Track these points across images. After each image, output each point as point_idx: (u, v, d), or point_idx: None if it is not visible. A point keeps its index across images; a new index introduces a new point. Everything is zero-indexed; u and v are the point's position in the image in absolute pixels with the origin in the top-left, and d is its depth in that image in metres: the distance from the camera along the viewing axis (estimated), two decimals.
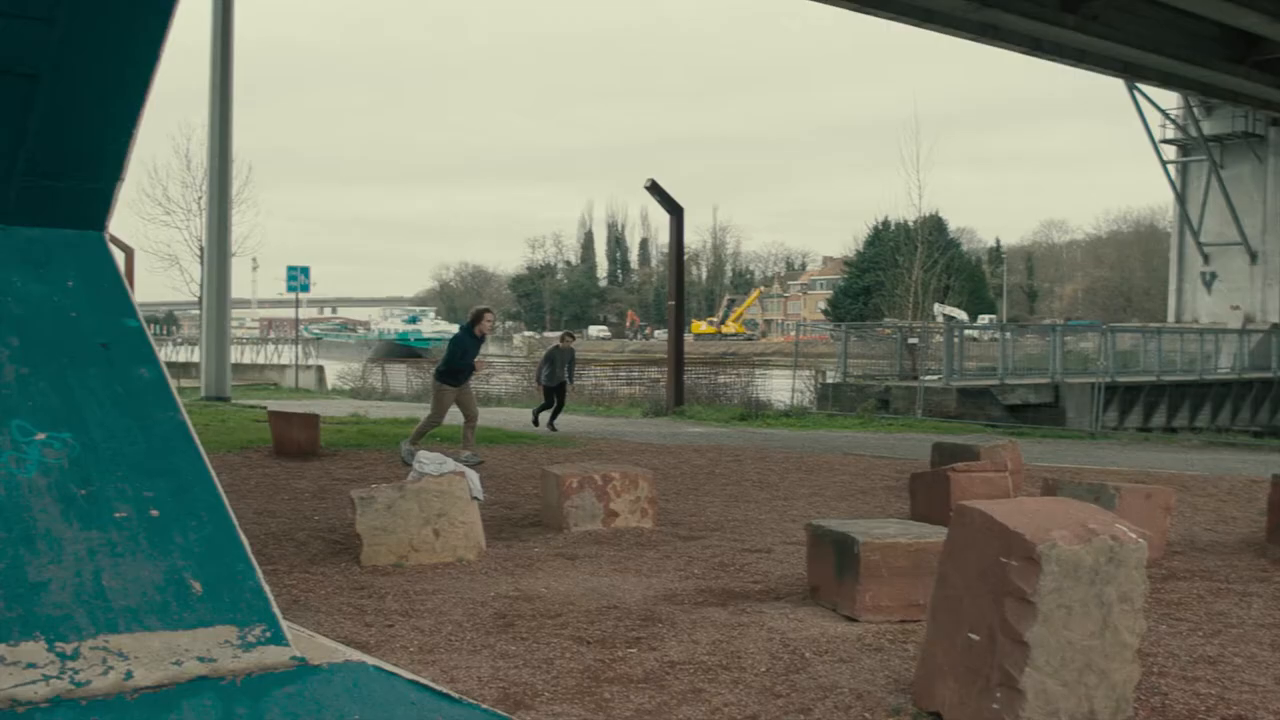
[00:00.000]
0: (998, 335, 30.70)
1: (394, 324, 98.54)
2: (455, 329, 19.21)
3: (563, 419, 19.42)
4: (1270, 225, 42.34)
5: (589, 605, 6.36)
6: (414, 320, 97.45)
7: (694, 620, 6.03)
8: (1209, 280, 44.02)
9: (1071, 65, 33.82)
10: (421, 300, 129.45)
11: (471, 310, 14.31)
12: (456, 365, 13.62)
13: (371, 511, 7.50)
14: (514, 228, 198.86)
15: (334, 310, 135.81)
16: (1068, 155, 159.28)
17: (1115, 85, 40.10)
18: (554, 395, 19.58)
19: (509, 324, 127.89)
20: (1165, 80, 36.60)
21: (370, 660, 2.87)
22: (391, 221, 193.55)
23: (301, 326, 47.97)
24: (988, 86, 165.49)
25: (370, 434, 16.35)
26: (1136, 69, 35.00)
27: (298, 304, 34.30)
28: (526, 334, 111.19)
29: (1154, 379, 30.63)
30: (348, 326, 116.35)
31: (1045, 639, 4.16)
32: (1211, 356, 34.65)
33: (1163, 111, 44.23)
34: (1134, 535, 4.34)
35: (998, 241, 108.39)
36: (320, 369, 36.91)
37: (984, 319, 70.83)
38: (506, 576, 7.19)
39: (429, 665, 5.16)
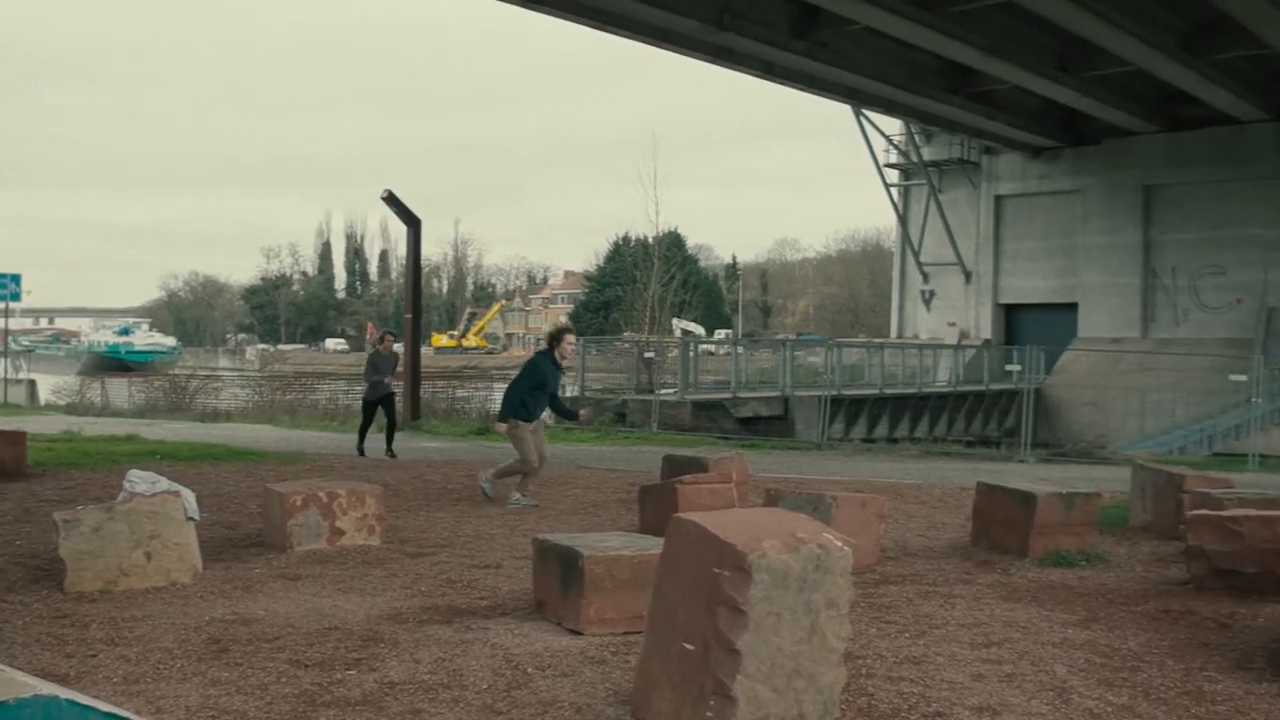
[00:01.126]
0: (732, 350, 31.56)
1: (105, 336, 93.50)
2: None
3: (289, 436, 18.61)
4: (982, 247, 45.01)
5: (309, 627, 6.17)
6: (126, 332, 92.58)
7: (417, 639, 5.92)
8: (928, 298, 46.46)
9: (802, 90, 35.11)
10: (149, 311, 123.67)
11: (549, 329, 11.72)
12: (528, 398, 11.34)
13: (76, 535, 7.07)
14: (251, 237, 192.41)
15: (51, 320, 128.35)
16: (802, 176, 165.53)
17: (846, 110, 41.89)
18: (381, 409, 16.69)
19: (241, 336, 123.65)
20: (889, 107, 38.44)
21: (65, 693, 2.67)
22: (121, 229, 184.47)
23: (12, 338, 45.08)
24: (729, 106, 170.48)
25: (83, 452, 15.47)
26: (862, 95, 36.62)
27: (6, 313, 32.23)
28: (260, 347, 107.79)
29: (877, 392, 32.08)
30: (60, 338, 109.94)
31: (756, 647, 4.26)
32: (930, 370, 36.59)
33: (886, 137, 46.46)
34: (840, 543, 4.50)
35: (734, 258, 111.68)
36: (32, 383, 34.76)
37: (720, 334, 72.73)
38: (223, 600, 6.90)
39: (134, 696, 4.89)
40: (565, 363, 11.33)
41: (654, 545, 6.39)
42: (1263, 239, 38.13)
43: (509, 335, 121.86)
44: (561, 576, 6.28)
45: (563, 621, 6.21)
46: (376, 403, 16.81)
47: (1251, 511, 7.66)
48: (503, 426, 11.57)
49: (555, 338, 11.54)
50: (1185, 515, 8.12)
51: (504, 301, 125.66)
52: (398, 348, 19.04)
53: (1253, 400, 26.06)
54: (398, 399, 18.84)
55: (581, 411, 13.54)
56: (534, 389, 11.36)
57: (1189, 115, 37.85)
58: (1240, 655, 5.88)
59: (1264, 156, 37.85)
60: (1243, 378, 25.59)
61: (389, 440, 16.71)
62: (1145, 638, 6.24)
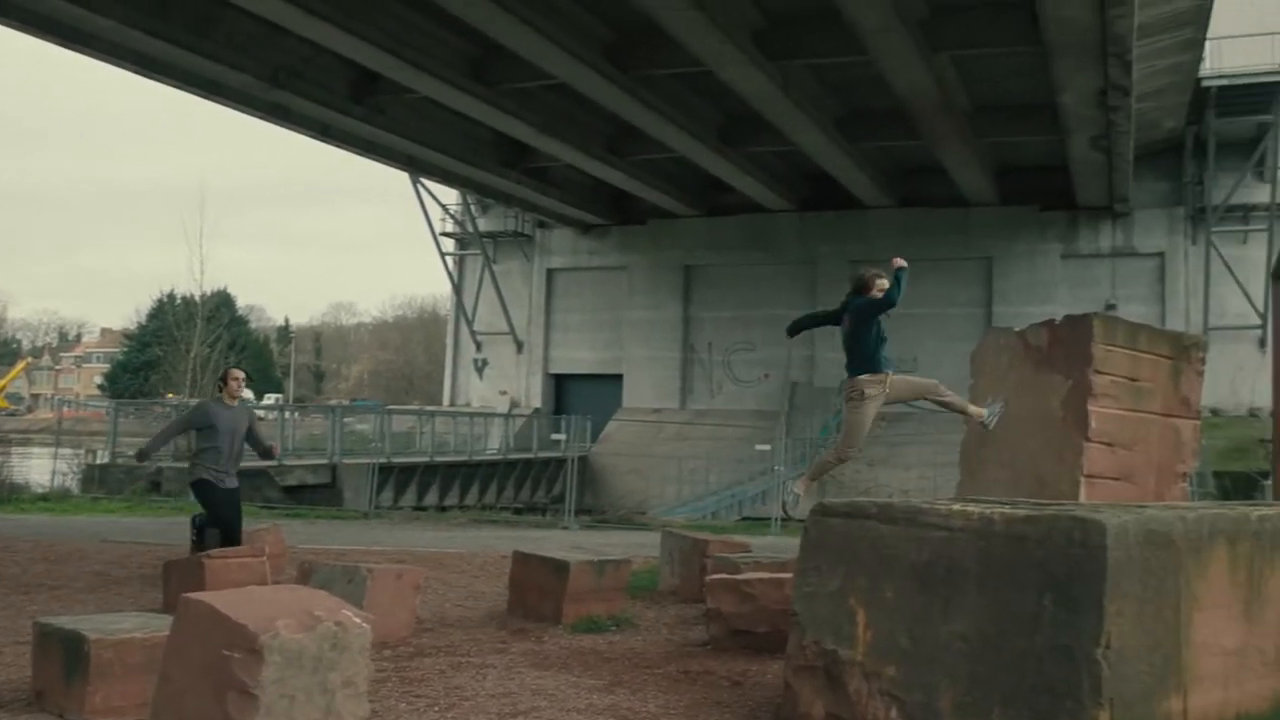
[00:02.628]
0: (279, 415, 30.60)
1: None
2: None
3: None
4: (534, 318, 46.24)
5: None
6: None
7: None
8: (481, 366, 47.10)
9: (361, 154, 34.90)
10: None
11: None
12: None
13: None
14: None
15: None
16: (361, 239, 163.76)
17: (405, 175, 41.97)
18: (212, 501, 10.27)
19: None
20: (446, 177, 38.88)
21: None
22: None
23: None
24: (288, 164, 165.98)
25: None
26: (420, 164, 36.86)
27: None
28: None
29: (428, 459, 32.04)
30: None
31: None
32: (481, 438, 37.00)
33: (443, 206, 46.93)
34: (359, 620, 4.36)
35: (287, 320, 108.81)
36: None
37: (270, 398, 70.43)
38: None
39: None
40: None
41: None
42: (787, 319, 41.36)
43: (35, 396, 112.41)
44: (65, 662, 5.74)
45: (64, 713, 5.67)
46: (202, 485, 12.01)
47: (764, 574, 8.17)
48: None
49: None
50: (706, 579, 8.54)
51: (30, 359, 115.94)
52: None
53: (775, 469, 28.09)
54: None
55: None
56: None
57: (726, 202, 40.69)
58: (749, 711, 6.20)
59: (790, 243, 41.29)
60: (767, 447, 27.59)
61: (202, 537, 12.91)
62: (665, 699, 6.46)
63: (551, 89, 29.78)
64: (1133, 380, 8.61)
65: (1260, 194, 37.54)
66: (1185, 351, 9.05)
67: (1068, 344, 8.51)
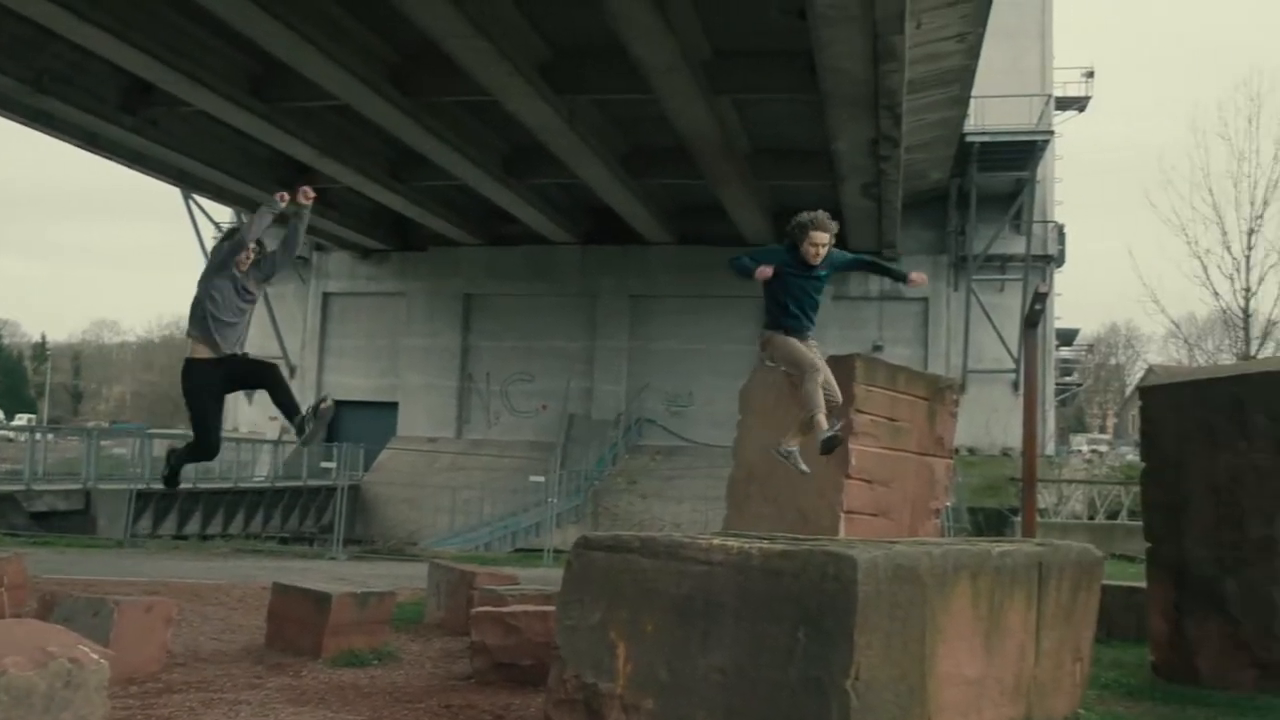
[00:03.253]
0: (30, 437, 29.00)
1: None
2: None
3: None
4: (309, 343, 45.14)
5: None
6: None
7: None
8: (250, 391, 45.64)
9: (129, 166, 33.50)
10: None
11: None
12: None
13: None
14: None
15: None
16: (128, 254, 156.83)
17: (177, 190, 40.43)
18: None
19: None
20: (219, 194, 37.63)
21: None
22: None
23: None
24: (52, 172, 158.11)
25: None
26: (192, 179, 35.61)
27: None
28: None
29: (191, 486, 30.80)
30: None
31: None
32: (249, 464, 35.82)
33: (216, 224, 45.33)
34: (96, 656, 4.14)
35: (44, 337, 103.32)
36: None
37: (22, 419, 66.76)
38: None
39: None
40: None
41: None
42: (567, 350, 41.67)
43: None
44: None
45: None
46: None
47: (530, 607, 8.13)
48: None
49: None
50: (472, 611, 8.45)
51: None
52: None
53: (549, 500, 28.12)
54: None
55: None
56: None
57: (509, 232, 40.65)
58: None
59: (570, 276, 41.53)
60: (541, 479, 27.58)
61: None
62: None
63: (334, 110, 29.26)
64: (891, 420, 8.94)
65: (1016, 245, 39.69)
66: (940, 393, 9.46)
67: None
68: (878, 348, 37.66)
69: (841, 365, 8.82)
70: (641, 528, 29.06)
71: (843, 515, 8.55)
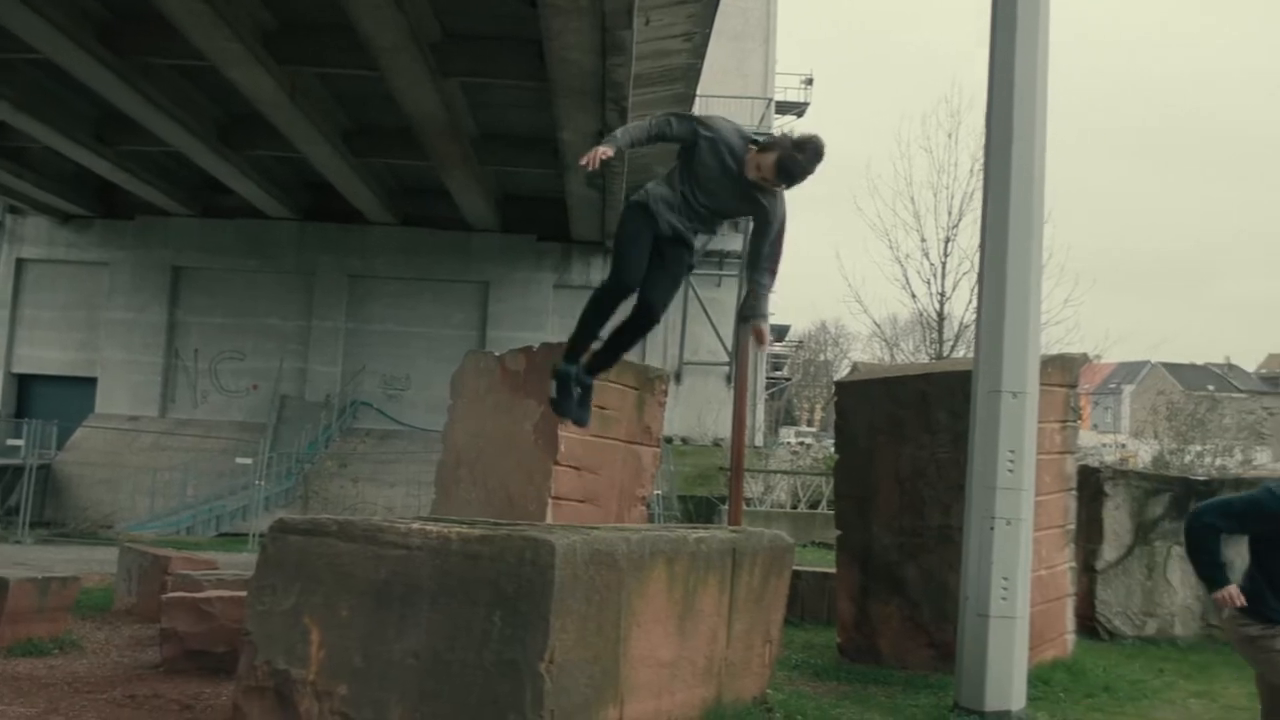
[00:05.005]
0: None
1: None
2: None
3: None
4: None
5: None
6: None
7: None
8: None
9: None
10: None
11: None
12: None
13: None
14: None
15: None
16: None
17: None
18: None
19: None
20: None
21: None
22: None
23: None
24: None
25: None
26: None
27: None
28: None
29: None
30: None
31: None
32: None
33: None
34: None
35: None
36: None
37: None
38: None
39: None
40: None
41: None
42: (281, 329, 40.39)
43: None
44: None
45: None
46: None
47: (225, 592, 7.88)
48: None
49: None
50: (163, 597, 8.13)
51: None
52: None
53: (256, 483, 27.25)
54: None
55: None
56: None
57: (224, 204, 39.02)
58: None
59: (287, 252, 40.26)
60: (249, 461, 26.69)
61: None
62: None
63: (35, 64, 27.38)
64: (601, 408, 9.07)
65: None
66: (649, 383, 9.67)
67: (543, 370, 8.85)
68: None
69: (553, 354, 8.91)
70: (354, 512, 28.52)
71: (550, 501, 8.62)
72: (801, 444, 41.63)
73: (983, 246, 8.04)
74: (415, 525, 5.41)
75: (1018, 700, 7.83)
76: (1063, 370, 9.83)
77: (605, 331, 6.89)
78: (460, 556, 5.16)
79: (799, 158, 6.07)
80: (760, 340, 6.89)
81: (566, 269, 41.01)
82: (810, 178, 6.24)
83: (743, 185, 6.27)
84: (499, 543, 5.12)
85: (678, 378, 39.23)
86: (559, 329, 36.44)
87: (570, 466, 8.77)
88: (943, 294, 27.74)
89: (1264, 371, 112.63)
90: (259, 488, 27.20)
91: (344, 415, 39.34)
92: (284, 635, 5.45)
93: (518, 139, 32.31)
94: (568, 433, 8.65)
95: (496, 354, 9.46)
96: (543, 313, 39.87)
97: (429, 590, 5.17)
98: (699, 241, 6.74)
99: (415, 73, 25.00)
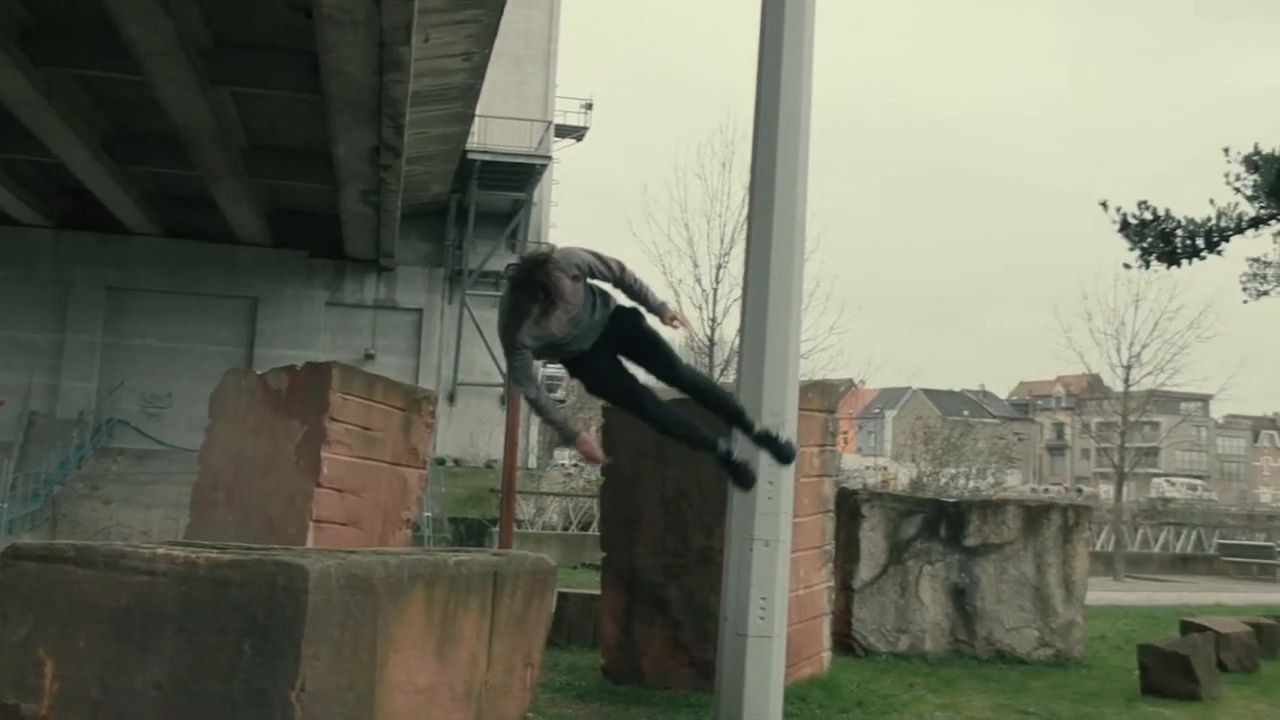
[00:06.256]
0: None
1: None
2: None
3: None
4: None
5: None
6: None
7: None
8: None
9: None
10: None
11: None
12: None
13: None
14: None
15: None
16: None
17: None
18: None
19: None
20: None
21: None
22: None
23: None
24: None
25: None
26: None
27: None
28: None
29: None
30: None
31: None
32: None
33: None
34: None
35: None
36: None
37: None
38: None
39: None
40: None
41: None
42: (32, 343, 38.31)
43: None
44: None
45: None
46: None
47: None
48: None
49: None
50: None
51: None
52: None
53: (1, 505, 25.78)
54: None
55: None
56: None
57: None
58: None
59: (41, 261, 38.28)
60: None
61: None
62: None
63: None
64: (366, 429, 8.93)
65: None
66: (416, 404, 9.56)
67: (306, 390, 8.67)
68: (370, 356, 37.54)
69: (318, 372, 8.72)
70: (106, 536, 27.14)
71: (311, 524, 8.43)
72: (576, 466, 41.76)
73: (746, 275, 8.24)
74: (161, 550, 5.19)
75: (774, 718, 8.03)
76: (822, 396, 10.17)
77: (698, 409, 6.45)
78: (208, 582, 4.97)
79: (546, 268, 5.79)
80: (681, 319, 6.24)
81: (340, 287, 40.23)
82: (566, 266, 5.83)
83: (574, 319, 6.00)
84: (249, 568, 4.96)
85: (451, 398, 38.91)
86: (331, 348, 35.75)
87: (333, 489, 8.60)
88: (714, 320, 28.31)
89: (1015, 398, 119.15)
90: (1, 510, 25.66)
91: (99, 434, 37.52)
92: (15, 668, 5.14)
93: (291, 152, 31.60)
94: (331, 454, 8.48)
95: (259, 372, 9.20)
96: (315, 330, 38.98)
97: (175, 618, 4.96)
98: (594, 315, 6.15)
99: (183, 79, 24.19)
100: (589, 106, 45.59)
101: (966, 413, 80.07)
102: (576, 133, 45.10)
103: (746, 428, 6.25)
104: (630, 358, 6.15)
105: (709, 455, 6.27)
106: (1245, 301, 11.46)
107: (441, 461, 33.84)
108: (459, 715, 6.20)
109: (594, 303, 6.02)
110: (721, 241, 28.15)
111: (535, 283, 5.76)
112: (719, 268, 28.15)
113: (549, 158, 41.01)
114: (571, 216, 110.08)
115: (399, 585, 5.52)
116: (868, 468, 65.09)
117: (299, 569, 4.89)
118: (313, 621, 4.88)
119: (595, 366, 6.16)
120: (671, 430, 6.24)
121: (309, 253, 39.25)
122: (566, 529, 28.24)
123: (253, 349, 38.25)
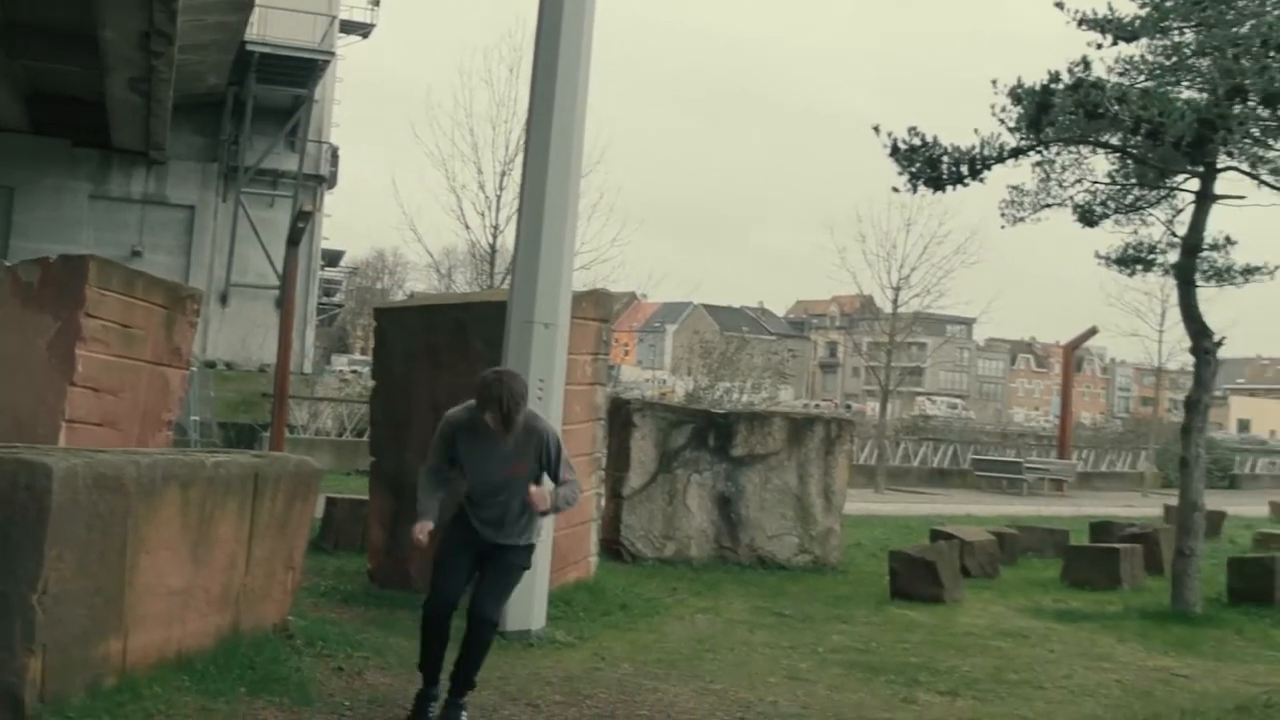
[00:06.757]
0: None
1: None
2: None
3: None
4: None
5: None
6: None
7: None
8: None
9: None
10: None
11: None
12: None
13: None
14: None
15: None
16: None
17: None
18: None
19: None
20: None
21: None
22: None
23: None
24: None
25: None
26: None
27: None
28: None
29: None
30: None
31: None
32: None
33: None
34: None
35: None
36: None
37: None
38: None
39: None
40: None
41: None
42: None
43: None
44: None
45: None
46: None
47: None
48: None
49: None
50: None
51: None
52: None
53: None
54: None
55: None
56: None
57: None
58: None
59: None
60: None
61: None
62: None
63: None
64: (125, 326, 8.60)
65: (290, 162, 39.59)
66: (180, 302, 9.25)
67: (60, 284, 8.28)
68: (137, 253, 35.84)
69: (73, 266, 8.34)
70: None
71: (64, 425, 8.09)
72: (354, 372, 41.05)
73: (523, 182, 8.23)
74: None
75: (538, 620, 8.18)
76: (596, 305, 10.25)
77: None
78: None
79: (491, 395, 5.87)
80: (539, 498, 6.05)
81: (105, 179, 38.24)
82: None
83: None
84: None
85: (223, 299, 37.69)
86: (94, 243, 33.96)
87: (88, 388, 8.27)
88: (496, 227, 28.01)
89: (792, 316, 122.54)
90: None
91: None
92: None
93: (55, 33, 29.63)
94: (87, 352, 8.15)
95: (7, 264, 8.73)
96: (77, 224, 36.97)
97: None
98: None
99: None
100: (376, 2, 44.22)
101: (745, 329, 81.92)
102: (363, 29, 43.70)
103: (452, 691, 5.91)
104: (483, 565, 6.06)
105: (421, 679, 5.98)
106: (1003, 227, 12.02)
107: (212, 365, 32.81)
108: (215, 618, 6.13)
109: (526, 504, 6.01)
110: (506, 148, 27.76)
111: (499, 400, 5.78)
112: (503, 175, 27.79)
113: (332, 53, 39.61)
114: (354, 117, 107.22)
115: (152, 486, 5.39)
116: (647, 380, 66.06)
117: (42, 467, 4.73)
118: (56, 522, 4.73)
119: (468, 541, 6.08)
120: (433, 628, 5.88)
121: (72, 142, 37.07)
122: (341, 435, 27.82)
123: (7, 241, 36.06)
